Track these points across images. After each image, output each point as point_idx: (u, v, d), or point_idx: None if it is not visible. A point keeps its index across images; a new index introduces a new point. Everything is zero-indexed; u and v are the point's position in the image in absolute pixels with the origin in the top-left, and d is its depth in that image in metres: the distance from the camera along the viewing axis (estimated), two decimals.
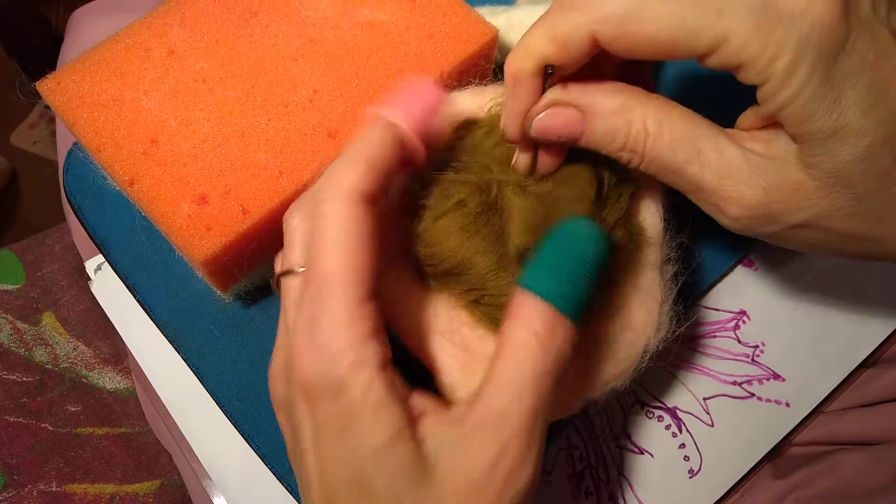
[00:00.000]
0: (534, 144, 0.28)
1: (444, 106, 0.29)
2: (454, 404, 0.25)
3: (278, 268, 0.27)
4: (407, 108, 0.27)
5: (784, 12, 0.21)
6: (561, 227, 0.25)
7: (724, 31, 0.21)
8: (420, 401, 0.25)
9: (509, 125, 0.27)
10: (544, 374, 0.23)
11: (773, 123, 0.25)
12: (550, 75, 0.25)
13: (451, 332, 0.29)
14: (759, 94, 0.23)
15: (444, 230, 0.28)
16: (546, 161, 0.28)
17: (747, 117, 0.26)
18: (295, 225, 0.26)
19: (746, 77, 0.23)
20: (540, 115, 0.26)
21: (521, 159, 0.28)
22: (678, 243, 0.33)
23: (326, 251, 0.23)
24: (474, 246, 0.27)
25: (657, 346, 0.30)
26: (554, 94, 0.26)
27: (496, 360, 0.24)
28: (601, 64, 0.26)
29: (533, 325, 0.24)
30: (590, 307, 0.25)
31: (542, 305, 0.24)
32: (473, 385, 0.26)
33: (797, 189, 0.24)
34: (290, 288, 0.26)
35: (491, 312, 0.28)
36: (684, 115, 0.25)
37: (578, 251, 0.25)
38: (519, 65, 0.25)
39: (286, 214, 0.27)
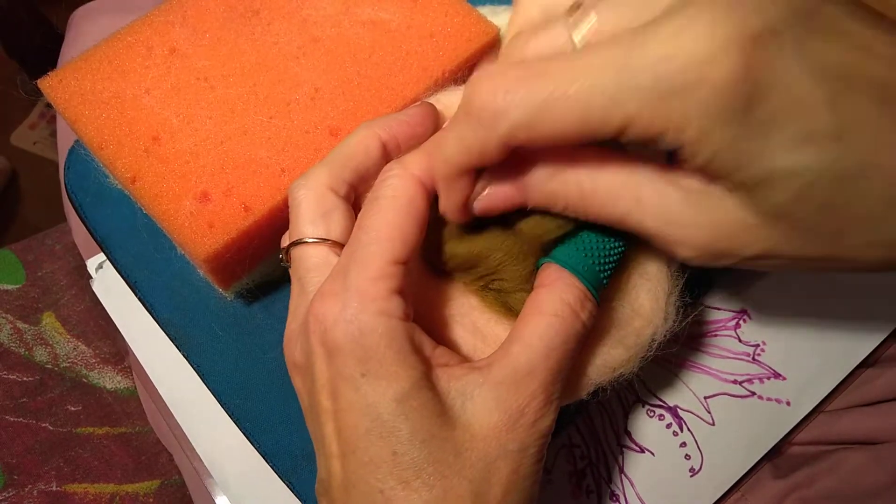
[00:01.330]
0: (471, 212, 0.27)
1: None
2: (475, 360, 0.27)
3: (286, 241, 0.28)
4: None
5: (681, 84, 0.20)
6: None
7: (626, 116, 0.21)
8: (444, 352, 0.26)
9: (452, 213, 0.26)
10: (570, 340, 0.26)
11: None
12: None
13: (461, 316, 0.29)
14: (681, 156, 0.22)
15: (448, 233, 0.28)
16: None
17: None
18: (301, 197, 0.27)
19: (665, 147, 0.22)
20: (479, 198, 0.26)
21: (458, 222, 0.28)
22: None
23: (378, 212, 0.25)
24: (481, 244, 0.28)
25: (665, 336, 0.31)
26: (489, 175, 0.26)
27: (525, 322, 0.26)
28: None
29: (566, 297, 0.26)
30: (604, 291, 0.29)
31: (575, 281, 0.26)
32: (461, 349, 0.29)
33: (742, 227, 0.23)
34: (303, 257, 0.27)
35: (502, 297, 0.29)
36: (619, 166, 0.24)
37: (611, 242, 0.28)
38: (446, 172, 0.25)
39: (291, 187, 0.28)
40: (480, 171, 0.26)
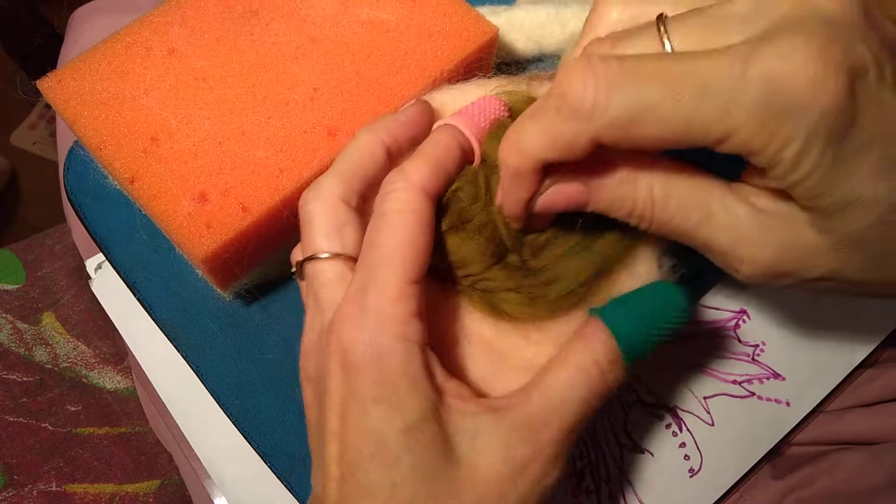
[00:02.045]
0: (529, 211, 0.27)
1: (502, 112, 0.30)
2: (491, 396, 0.26)
3: (298, 256, 0.28)
4: (472, 118, 0.29)
5: (791, 105, 0.20)
6: (662, 286, 0.27)
7: (730, 127, 0.21)
8: (457, 385, 0.25)
9: (510, 208, 0.26)
10: (590, 400, 0.25)
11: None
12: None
13: (448, 317, 0.29)
14: (770, 174, 0.22)
15: (444, 225, 0.28)
16: (539, 221, 0.28)
17: (755, 176, 0.25)
18: (314, 211, 0.27)
19: (757, 162, 0.22)
20: (544, 196, 0.25)
21: (513, 223, 0.28)
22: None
23: (390, 229, 0.25)
24: (473, 247, 0.28)
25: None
26: (557, 174, 0.25)
27: (551, 371, 0.25)
28: None
29: (598, 356, 0.25)
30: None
31: (612, 342, 0.25)
32: (470, 368, 0.28)
33: (811, 249, 0.23)
34: (317, 273, 0.26)
35: (488, 298, 0.29)
36: (692, 178, 0.24)
37: (665, 316, 0.26)
38: (518, 163, 0.24)
39: (301, 201, 0.27)
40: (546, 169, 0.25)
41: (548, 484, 0.24)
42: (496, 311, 0.29)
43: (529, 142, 0.23)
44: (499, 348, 0.29)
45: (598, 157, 0.24)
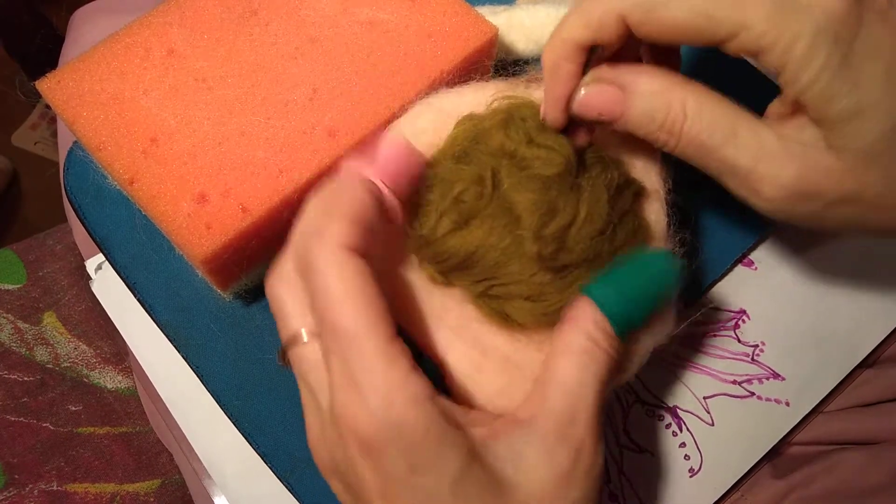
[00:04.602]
0: (566, 130, 0.29)
1: (417, 163, 0.28)
2: (509, 412, 0.26)
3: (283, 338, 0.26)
4: (383, 168, 0.26)
5: (799, 4, 0.23)
6: (645, 255, 0.27)
7: (744, 19, 0.23)
8: (478, 415, 0.25)
9: (551, 109, 0.28)
10: (603, 376, 0.25)
11: (799, 111, 0.26)
12: (593, 53, 0.27)
13: (460, 328, 0.29)
14: (782, 80, 0.24)
15: (446, 228, 0.28)
16: (579, 134, 0.30)
17: (775, 107, 0.27)
18: (281, 295, 0.25)
19: (766, 62, 0.24)
20: (583, 91, 0.27)
21: (554, 125, 0.29)
22: (680, 239, 0.33)
23: (336, 307, 0.22)
24: (479, 238, 0.27)
25: (661, 342, 0.30)
26: (597, 72, 0.28)
27: (556, 364, 0.25)
28: (631, 54, 0.29)
29: (593, 335, 0.25)
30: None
31: (602, 320, 0.26)
32: (486, 382, 0.27)
33: (829, 169, 0.25)
34: (303, 356, 0.25)
35: (500, 306, 0.28)
36: (721, 100, 0.26)
37: (653, 285, 0.26)
38: (558, 50, 0.27)
39: (267, 289, 0.26)
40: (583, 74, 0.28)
41: (598, 472, 0.25)
42: (508, 320, 0.28)
43: (567, 26, 0.26)
44: (515, 360, 0.28)
45: (635, 70, 0.27)
